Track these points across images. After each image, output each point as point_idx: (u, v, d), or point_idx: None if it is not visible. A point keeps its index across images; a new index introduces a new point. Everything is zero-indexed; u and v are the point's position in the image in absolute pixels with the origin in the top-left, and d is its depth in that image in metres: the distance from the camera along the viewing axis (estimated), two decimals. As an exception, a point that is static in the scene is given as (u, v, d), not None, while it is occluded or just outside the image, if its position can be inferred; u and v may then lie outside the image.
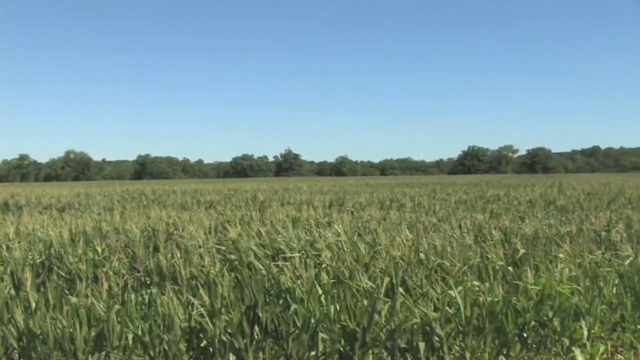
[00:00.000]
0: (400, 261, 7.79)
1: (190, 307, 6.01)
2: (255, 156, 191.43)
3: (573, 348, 5.88)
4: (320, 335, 5.69)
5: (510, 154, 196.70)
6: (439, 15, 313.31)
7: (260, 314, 5.72)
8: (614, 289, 6.93)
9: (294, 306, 5.92)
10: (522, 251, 8.52)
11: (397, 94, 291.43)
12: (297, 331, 5.56)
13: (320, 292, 6.26)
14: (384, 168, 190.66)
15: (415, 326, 5.68)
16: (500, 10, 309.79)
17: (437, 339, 5.72)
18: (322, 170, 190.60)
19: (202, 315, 5.69)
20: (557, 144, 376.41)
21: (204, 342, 5.71)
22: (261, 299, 5.83)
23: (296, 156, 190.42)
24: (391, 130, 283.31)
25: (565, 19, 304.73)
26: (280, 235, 9.72)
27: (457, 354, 5.92)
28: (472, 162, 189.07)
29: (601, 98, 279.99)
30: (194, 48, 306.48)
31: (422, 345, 5.63)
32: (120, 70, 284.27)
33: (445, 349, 5.68)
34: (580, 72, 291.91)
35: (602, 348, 6.03)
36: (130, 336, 5.57)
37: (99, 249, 9.28)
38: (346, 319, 5.57)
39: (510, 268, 7.56)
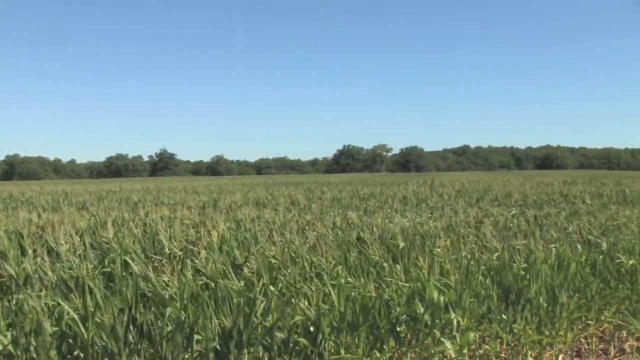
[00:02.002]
0: (275, 259, 7.82)
1: (61, 311, 5.84)
2: (130, 156, 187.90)
3: (443, 339, 6.07)
4: (196, 335, 5.64)
5: (384, 153, 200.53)
6: (308, 12, 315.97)
7: (136, 316, 5.62)
8: (482, 282, 7.17)
9: (169, 308, 5.86)
10: (400, 246, 8.71)
11: (272, 93, 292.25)
12: (171, 332, 5.50)
13: (195, 292, 6.21)
14: (260, 167, 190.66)
15: (292, 323, 5.71)
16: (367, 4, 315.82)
17: (314, 335, 5.76)
18: (198, 169, 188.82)
19: (74, 320, 5.53)
20: (429, 143, 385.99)
21: (77, 347, 5.56)
22: (136, 301, 5.73)
23: (172, 156, 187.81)
24: (267, 130, 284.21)
25: (429, 18, 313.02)
26: (155, 236, 9.59)
27: (333, 350, 5.98)
28: (347, 161, 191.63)
29: (469, 100, 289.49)
30: (63, 40, 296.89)
31: (300, 341, 5.67)
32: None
33: (324, 345, 5.74)
34: (448, 74, 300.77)
35: (470, 336, 6.25)
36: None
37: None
38: (221, 318, 5.56)
39: (385, 264, 7.70)
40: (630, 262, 7.94)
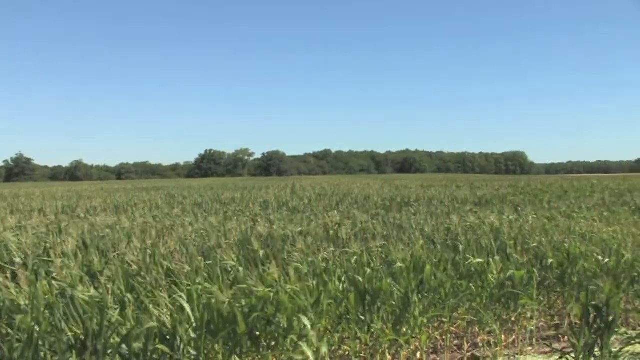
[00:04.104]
0: (133, 266, 7.68)
1: None
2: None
3: (301, 343, 6.11)
4: (48, 347, 5.46)
5: (246, 158, 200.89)
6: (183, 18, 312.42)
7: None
8: (340, 284, 7.27)
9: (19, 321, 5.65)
10: (257, 251, 8.71)
11: (131, 95, 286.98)
12: (21, 345, 5.30)
13: (44, 302, 6.00)
14: (121, 172, 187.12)
15: (149, 331, 5.61)
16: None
17: (171, 342, 5.69)
18: (57, 175, 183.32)
19: None
20: (291, 147, 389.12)
21: None
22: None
23: (28, 160, 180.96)
24: (127, 134, 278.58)
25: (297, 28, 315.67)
26: (5, 245, 9.23)
27: (192, 357, 5.91)
28: (210, 165, 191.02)
29: (331, 104, 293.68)
30: None
31: (158, 349, 5.58)
32: None
33: (182, 351, 5.67)
34: (307, 77, 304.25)
35: (327, 341, 6.34)
36: None
37: None
38: (74, 328, 5.40)
39: (241, 269, 7.68)
40: (477, 260, 8.24)
